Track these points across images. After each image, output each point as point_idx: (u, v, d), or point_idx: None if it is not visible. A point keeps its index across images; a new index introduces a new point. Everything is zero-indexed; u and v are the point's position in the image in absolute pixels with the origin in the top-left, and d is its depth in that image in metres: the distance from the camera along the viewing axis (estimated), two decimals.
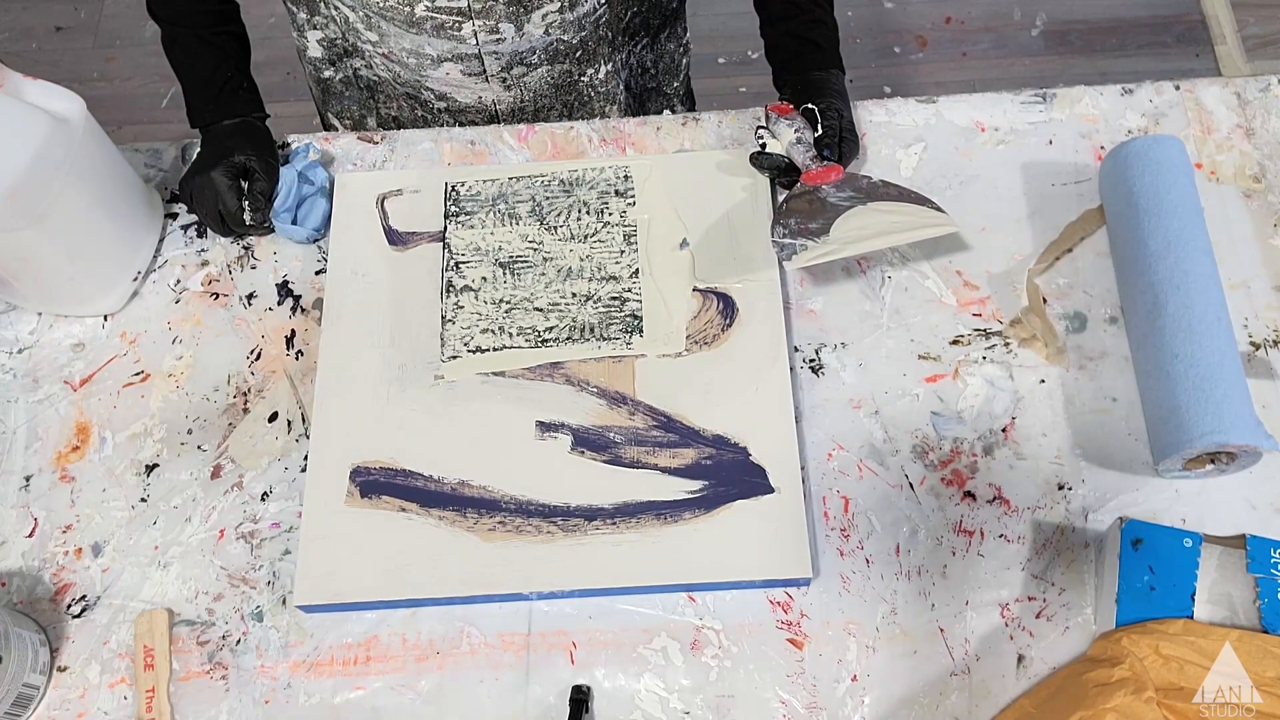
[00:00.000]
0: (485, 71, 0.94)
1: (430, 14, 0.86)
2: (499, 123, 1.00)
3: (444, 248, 0.88)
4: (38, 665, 0.74)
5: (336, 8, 0.94)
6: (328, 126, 1.12)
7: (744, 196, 0.88)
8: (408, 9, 0.86)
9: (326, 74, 1.05)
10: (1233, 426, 0.70)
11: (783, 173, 0.87)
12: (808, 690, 0.73)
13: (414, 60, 0.94)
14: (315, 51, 1.02)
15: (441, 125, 1.01)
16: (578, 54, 0.96)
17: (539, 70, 0.95)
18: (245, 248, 0.91)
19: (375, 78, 1.02)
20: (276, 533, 0.80)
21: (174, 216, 0.93)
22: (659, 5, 1.02)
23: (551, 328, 0.84)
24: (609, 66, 1.00)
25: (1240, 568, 0.69)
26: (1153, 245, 0.79)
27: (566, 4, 0.89)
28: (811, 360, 0.83)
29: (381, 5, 0.87)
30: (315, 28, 0.99)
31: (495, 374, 0.82)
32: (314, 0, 0.96)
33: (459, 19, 0.87)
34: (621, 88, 1.03)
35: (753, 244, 0.86)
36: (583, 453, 0.79)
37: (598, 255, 0.86)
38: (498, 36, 0.89)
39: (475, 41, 0.90)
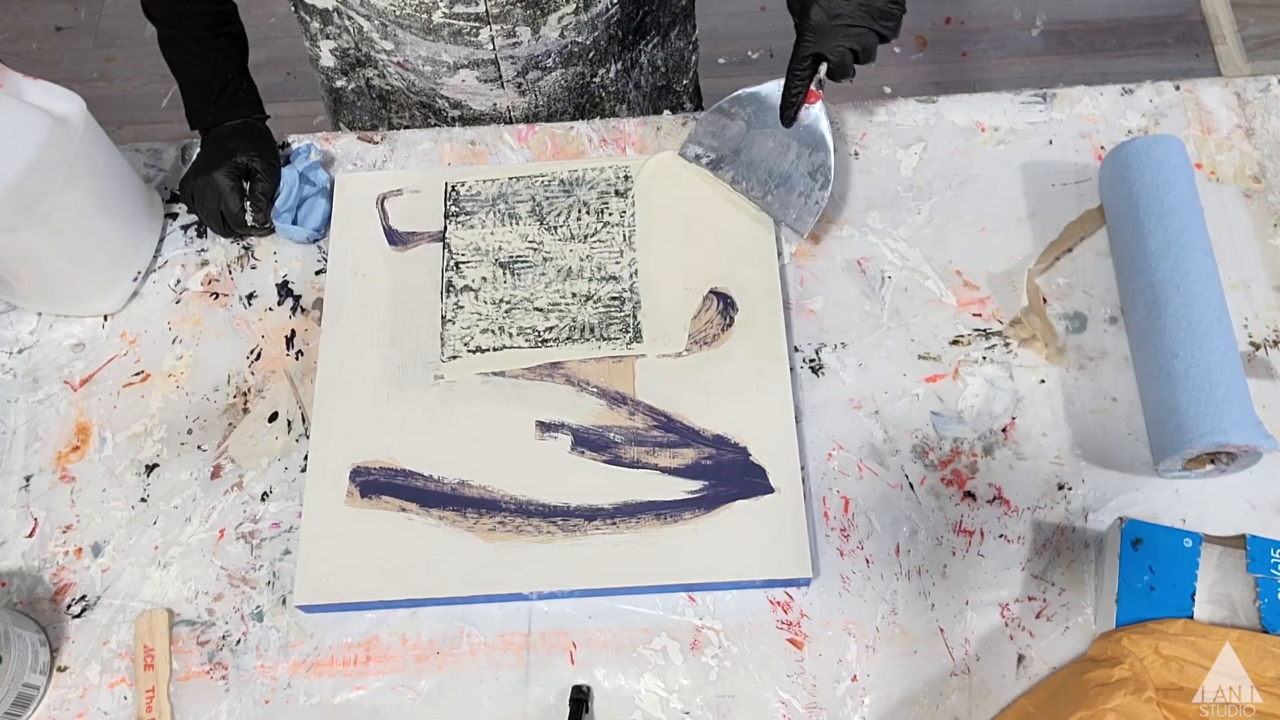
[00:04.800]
0: (501, 77, 0.94)
1: (448, 20, 0.86)
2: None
3: (444, 248, 0.88)
4: (38, 665, 0.74)
5: (350, 17, 0.94)
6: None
7: (744, 196, 0.88)
8: (425, 16, 0.86)
9: (339, 84, 1.05)
10: (1233, 426, 0.70)
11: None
12: (808, 690, 0.73)
13: (429, 68, 0.94)
14: (328, 61, 1.02)
15: None
16: (590, 55, 0.96)
17: (553, 74, 0.96)
18: (245, 248, 0.91)
19: (388, 87, 1.02)
20: (276, 533, 0.80)
21: (174, 216, 0.93)
22: (669, 3, 1.02)
23: (551, 328, 0.84)
24: (619, 66, 1.00)
25: (1240, 568, 0.69)
26: (1153, 245, 0.79)
27: (581, 5, 0.89)
28: (811, 360, 0.83)
29: (398, 14, 0.87)
30: (328, 37, 0.99)
31: (495, 374, 0.82)
32: (327, 11, 0.96)
33: (476, 25, 0.87)
34: (632, 87, 1.03)
35: (753, 244, 0.86)
36: (583, 453, 0.79)
37: (598, 255, 0.86)
38: (514, 40, 0.89)
39: (492, 47, 0.90)
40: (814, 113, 0.83)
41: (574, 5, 0.88)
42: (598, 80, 1.00)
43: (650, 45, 1.03)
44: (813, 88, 0.81)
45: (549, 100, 0.99)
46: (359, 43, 0.97)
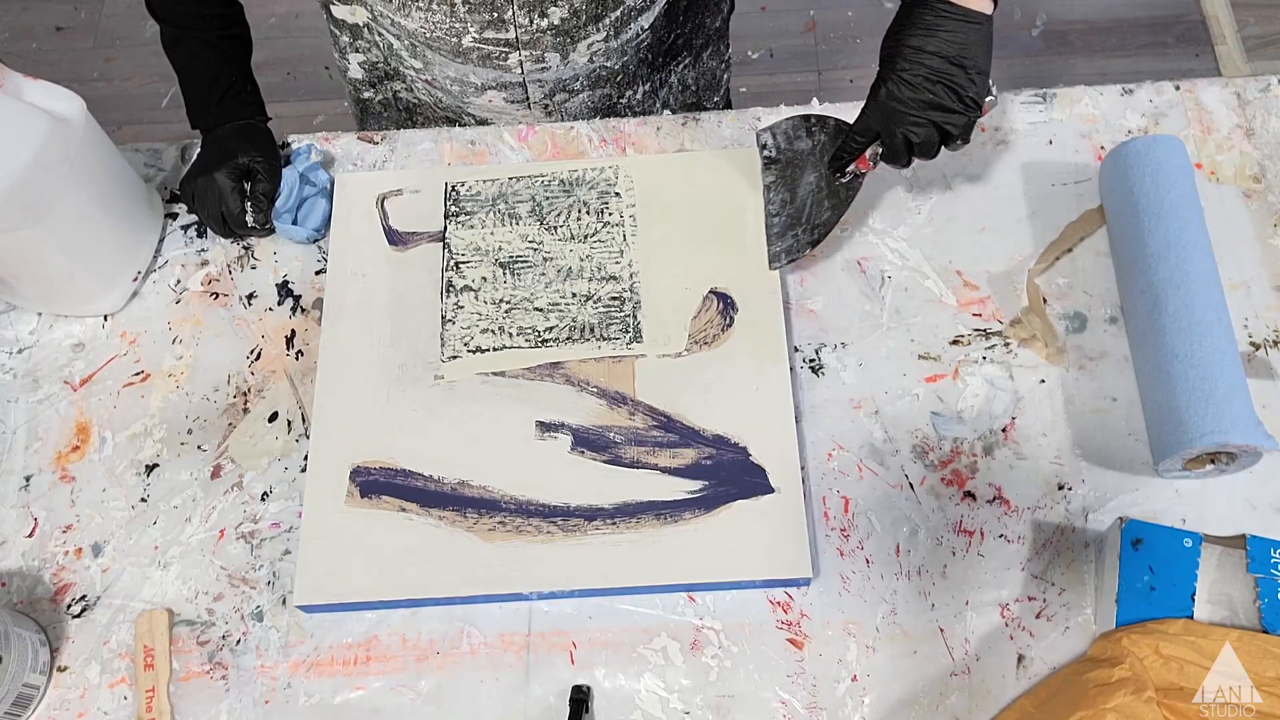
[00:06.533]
0: (528, 99, 0.94)
1: (477, 45, 0.86)
2: None
3: (444, 248, 0.88)
4: (38, 665, 0.74)
5: (381, 34, 0.94)
6: None
7: (744, 197, 0.88)
8: (454, 40, 0.86)
9: (366, 95, 1.05)
10: (1233, 426, 0.70)
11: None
12: (808, 690, 0.73)
13: (457, 88, 0.94)
14: (356, 73, 1.03)
15: None
16: (619, 78, 0.96)
17: (580, 95, 0.96)
18: (245, 248, 0.91)
19: (415, 101, 1.02)
20: (276, 533, 0.80)
21: (174, 216, 0.93)
22: (702, 26, 1.02)
23: (551, 328, 0.84)
24: (647, 87, 1.00)
25: (1240, 568, 0.69)
26: (1153, 245, 0.79)
27: (612, 32, 0.89)
28: (811, 360, 0.83)
29: (428, 36, 0.87)
30: (358, 50, 1.00)
31: (495, 374, 0.82)
32: (358, 26, 0.96)
33: (505, 50, 0.87)
34: (660, 105, 1.03)
35: (753, 244, 0.86)
36: (583, 453, 0.79)
37: (598, 255, 0.86)
38: (543, 66, 0.90)
39: (520, 71, 0.90)
40: (857, 178, 0.82)
41: (604, 33, 0.88)
42: (624, 101, 1.00)
43: (681, 66, 1.03)
44: (867, 156, 0.80)
45: (574, 120, 0.99)
46: (388, 58, 0.98)
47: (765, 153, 0.82)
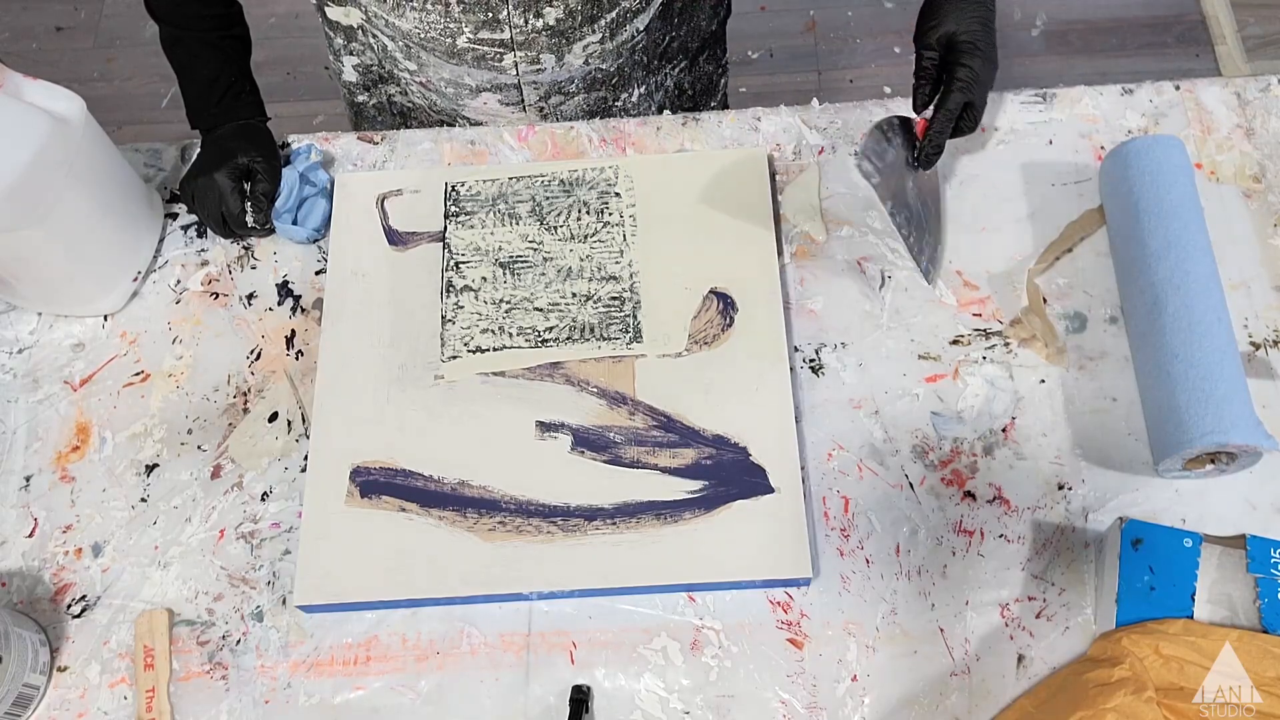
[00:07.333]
0: (523, 101, 0.94)
1: (472, 45, 0.86)
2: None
3: (444, 248, 0.88)
4: (38, 665, 0.74)
5: (375, 36, 0.94)
6: None
7: (744, 196, 0.88)
8: (449, 40, 0.86)
9: (360, 99, 1.05)
10: (1233, 426, 0.70)
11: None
12: (808, 690, 0.73)
13: (452, 90, 0.94)
14: (350, 76, 1.03)
15: None
16: (614, 80, 0.96)
17: (576, 98, 0.96)
18: (245, 248, 0.91)
19: (410, 104, 1.02)
20: (276, 533, 0.80)
21: (174, 216, 0.93)
22: (697, 29, 1.02)
23: (551, 328, 0.84)
24: (642, 90, 1.00)
25: (1240, 568, 0.69)
26: (1153, 245, 0.79)
27: (607, 34, 0.89)
28: (811, 360, 0.83)
29: (422, 36, 0.87)
30: (352, 54, 1.00)
31: (495, 374, 0.82)
32: (352, 28, 0.96)
33: (500, 50, 0.87)
34: (655, 109, 1.03)
35: (753, 244, 0.86)
36: (583, 453, 0.79)
37: (598, 255, 0.86)
38: (538, 67, 0.90)
39: (515, 72, 0.90)
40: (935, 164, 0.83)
41: (600, 34, 0.88)
42: (620, 104, 1.00)
43: (677, 70, 1.03)
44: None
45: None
46: (383, 60, 0.97)
47: (874, 181, 0.82)
